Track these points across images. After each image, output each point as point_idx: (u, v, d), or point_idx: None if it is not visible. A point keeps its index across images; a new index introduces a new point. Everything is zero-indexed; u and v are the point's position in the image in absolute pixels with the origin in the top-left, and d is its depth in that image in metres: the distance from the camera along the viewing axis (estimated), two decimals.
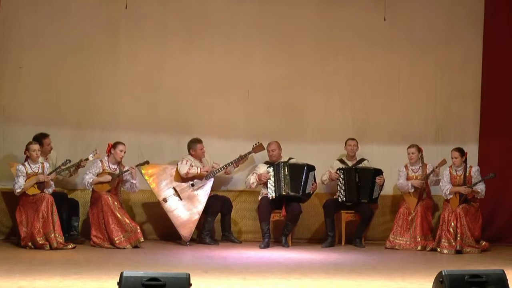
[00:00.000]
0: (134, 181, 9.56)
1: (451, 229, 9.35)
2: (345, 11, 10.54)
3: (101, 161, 9.50)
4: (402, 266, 8.20)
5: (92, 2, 10.26)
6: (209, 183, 9.85)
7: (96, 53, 10.21)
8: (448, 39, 10.55)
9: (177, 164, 9.84)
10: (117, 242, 9.20)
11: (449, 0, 10.61)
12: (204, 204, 9.72)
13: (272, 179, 9.73)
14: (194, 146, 9.90)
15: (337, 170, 9.96)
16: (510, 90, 10.34)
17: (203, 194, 9.78)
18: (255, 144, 9.99)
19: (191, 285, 5.05)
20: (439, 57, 10.56)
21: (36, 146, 9.18)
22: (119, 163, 9.56)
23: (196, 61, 10.37)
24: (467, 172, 9.62)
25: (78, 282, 6.63)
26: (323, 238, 9.95)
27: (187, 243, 9.60)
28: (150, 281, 4.97)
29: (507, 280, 5.30)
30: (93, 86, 10.22)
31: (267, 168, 9.86)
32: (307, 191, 9.74)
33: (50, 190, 9.17)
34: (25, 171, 9.06)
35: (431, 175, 9.81)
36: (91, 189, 9.45)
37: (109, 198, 9.31)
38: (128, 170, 9.49)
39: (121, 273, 5.02)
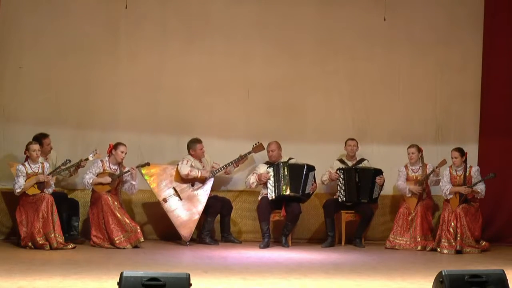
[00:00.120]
0: (133, 182, 9.56)
1: (451, 229, 9.34)
2: (345, 11, 10.54)
3: (101, 161, 9.50)
4: (402, 266, 8.20)
5: (92, 2, 10.26)
6: (209, 183, 9.84)
7: (96, 53, 10.21)
8: (448, 39, 10.55)
9: (178, 164, 9.84)
10: (117, 242, 9.20)
11: (449, 0, 10.61)
12: (204, 204, 9.72)
13: (272, 179, 9.73)
14: (193, 146, 9.89)
15: (337, 170, 9.96)
16: (510, 90, 10.34)
17: (203, 194, 9.78)
18: (255, 144, 9.99)
19: (191, 285, 5.04)
20: (439, 57, 10.56)
21: (36, 146, 9.18)
22: (119, 164, 9.56)
23: (196, 61, 10.37)
24: (467, 172, 9.62)
25: (78, 282, 6.63)
26: (323, 238, 9.95)
27: (187, 243, 9.59)
28: (150, 281, 4.97)
29: (507, 280, 5.29)
30: (93, 86, 10.22)
31: (267, 168, 9.85)
32: (307, 191, 9.73)
33: (50, 190, 9.17)
34: (25, 171, 9.06)
35: (431, 175, 9.81)
36: (90, 189, 9.45)
37: (109, 198, 9.31)
38: (128, 171, 9.49)
39: (121, 273, 5.02)
